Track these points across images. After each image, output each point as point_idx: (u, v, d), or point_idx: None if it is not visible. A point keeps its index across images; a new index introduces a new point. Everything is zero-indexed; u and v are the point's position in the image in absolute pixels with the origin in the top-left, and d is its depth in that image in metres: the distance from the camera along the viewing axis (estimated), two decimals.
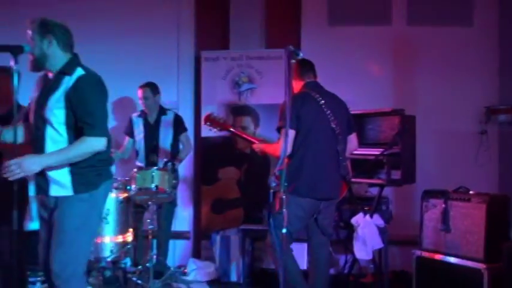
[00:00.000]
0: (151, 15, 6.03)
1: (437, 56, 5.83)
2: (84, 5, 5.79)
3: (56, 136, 3.00)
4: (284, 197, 3.08)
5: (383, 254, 4.87)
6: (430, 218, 4.32)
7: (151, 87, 5.33)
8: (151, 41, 6.02)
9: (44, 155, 2.99)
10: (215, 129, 4.50)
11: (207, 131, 5.04)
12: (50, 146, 3.00)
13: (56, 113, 2.97)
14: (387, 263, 4.90)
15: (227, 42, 6.03)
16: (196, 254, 5.90)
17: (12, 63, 2.91)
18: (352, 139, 4.20)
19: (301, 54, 3.18)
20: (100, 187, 3.11)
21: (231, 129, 4.44)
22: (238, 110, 5.82)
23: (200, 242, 5.92)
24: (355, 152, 4.57)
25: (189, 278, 5.32)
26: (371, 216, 4.69)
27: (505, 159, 5.73)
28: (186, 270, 5.46)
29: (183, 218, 6.01)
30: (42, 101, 3.03)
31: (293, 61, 3.14)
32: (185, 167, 5.86)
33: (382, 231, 4.69)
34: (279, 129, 3.93)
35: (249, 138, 4.40)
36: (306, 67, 4.19)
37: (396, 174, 4.57)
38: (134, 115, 5.47)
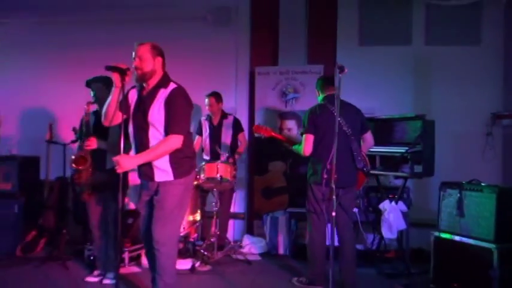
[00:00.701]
0: (215, 38, 6.10)
1: (450, 71, 5.73)
2: (165, 33, 5.75)
3: (157, 135, 3.09)
4: (334, 187, 3.09)
5: (404, 234, 4.83)
6: (446, 205, 4.22)
7: (216, 97, 5.38)
8: (215, 59, 6.11)
9: (137, 156, 3.09)
10: (263, 136, 4.69)
11: None
12: (152, 143, 3.09)
13: (158, 117, 3.05)
14: (408, 241, 4.87)
15: (276, 59, 6.06)
16: (250, 231, 5.92)
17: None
18: (367, 137, 4.17)
19: (346, 70, 3.14)
20: (191, 174, 3.22)
21: (273, 134, 4.48)
22: (284, 115, 5.83)
23: (253, 221, 5.94)
24: (384, 150, 4.54)
25: (244, 250, 5.36)
26: (396, 203, 4.65)
27: (507, 157, 5.59)
28: (242, 244, 5.50)
29: (239, 202, 6.08)
30: (144, 108, 3.11)
31: (341, 75, 3.12)
32: (241, 161, 5.90)
33: (404, 215, 4.65)
34: (301, 134, 4.03)
35: (285, 141, 4.44)
36: (327, 82, 4.17)
37: (418, 169, 4.52)
38: (203, 118, 5.55)
